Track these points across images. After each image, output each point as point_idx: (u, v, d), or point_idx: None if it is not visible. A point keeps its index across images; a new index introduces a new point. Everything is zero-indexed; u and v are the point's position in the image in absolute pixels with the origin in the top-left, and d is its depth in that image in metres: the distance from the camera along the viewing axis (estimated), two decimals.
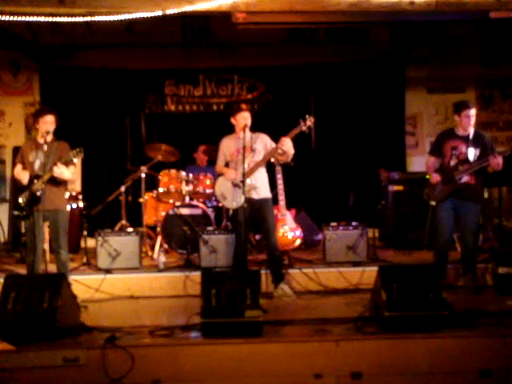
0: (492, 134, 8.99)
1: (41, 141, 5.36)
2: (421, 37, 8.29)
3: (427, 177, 5.78)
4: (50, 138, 5.37)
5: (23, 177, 5.30)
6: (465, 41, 8.84)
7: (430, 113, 9.08)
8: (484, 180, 5.66)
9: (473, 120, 5.51)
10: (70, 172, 5.34)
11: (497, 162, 5.33)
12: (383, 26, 8.25)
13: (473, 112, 5.50)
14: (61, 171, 5.19)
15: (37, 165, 5.29)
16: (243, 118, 5.63)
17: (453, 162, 5.55)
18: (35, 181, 5.20)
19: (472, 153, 5.50)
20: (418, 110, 9.11)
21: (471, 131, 5.55)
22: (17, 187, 5.48)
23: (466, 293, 5.41)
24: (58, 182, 5.32)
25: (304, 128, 5.53)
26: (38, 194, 5.14)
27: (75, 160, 5.25)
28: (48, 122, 5.33)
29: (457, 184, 5.47)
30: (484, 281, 5.87)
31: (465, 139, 5.54)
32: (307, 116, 5.54)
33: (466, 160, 5.48)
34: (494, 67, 8.95)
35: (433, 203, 5.64)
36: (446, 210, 5.57)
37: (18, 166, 5.48)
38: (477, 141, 5.53)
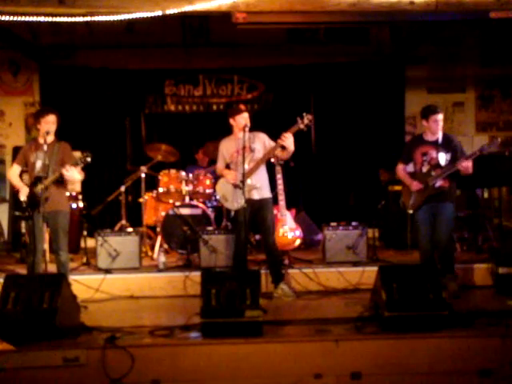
0: (492, 133, 9.01)
1: (41, 141, 5.34)
2: (421, 37, 8.28)
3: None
4: (51, 138, 5.36)
5: (21, 188, 5.29)
6: (465, 41, 8.84)
7: None
8: (484, 181, 5.64)
9: (441, 124, 5.49)
10: (78, 172, 5.34)
11: (465, 165, 5.30)
12: (383, 25, 8.26)
13: (440, 117, 5.48)
14: (71, 174, 5.17)
15: (38, 165, 5.28)
16: (243, 119, 5.62)
17: (425, 168, 5.53)
18: (38, 182, 5.19)
19: (443, 157, 5.48)
20: (418, 109, 8.95)
21: (440, 135, 5.53)
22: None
23: (450, 295, 5.15)
24: (60, 184, 5.32)
25: (302, 126, 5.51)
26: (40, 195, 5.13)
27: (82, 164, 5.23)
28: (50, 122, 5.32)
29: (431, 190, 5.46)
30: (484, 281, 5.88)
31: (434, 144, 5.52)
32: (304, 114, 5.53)
33: (438, 165, 5.46)
34: (494, 67, 8.95)
35: (410, 211, 5.62)
36: (424, 217, 5.53)
37: (15, 167, 5.48)
38: (447, 145, 5.50)
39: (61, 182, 5.32)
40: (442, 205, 5.48)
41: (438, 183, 5.46)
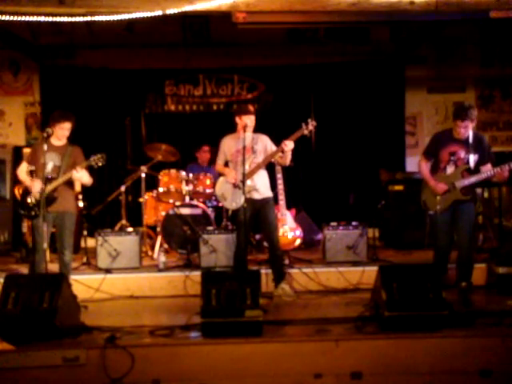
0: (492, 134, 9.02)
1: (55, 143, 5.39)
2: (421, 37, 8.29)
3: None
4: (63, 141, 5.44)
5: (34, 185, 5.30)
6: (465, 41, 8.84)
7: (430, 113, 9.08)
8: (483, 180, 5.54)
9: (468, 131, 5.23)
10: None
11: (504, 176, 5.12)
12: (383, 25, 8.24)
13: (469, 124, 5.18)
14: (81, 175, 5.26)
15: (50, 167, 5.31)
16: (249, 120, 5.60)
17: (450, 169, 5.30)
18: (48, 182, 5.21)
19: (472, 159, 5.25)
20: (418, 109, 9.11)
21: (470, 134, 5.28)
22: (25, 187, 5.47)
23: (458, 304, 5.00)
24: (69, 185, 5.39)
25: (306, 132, 5.53)
26: (51, 195, 5.18)
27: (95, 166, 5.31)
28: (65, 129, 5.38)
29: (460, 195, 5.26)
30: (484, 281, 5.88)
31: (464, 143, 5.28)
32: (309, 120, 5.54)
33: (467, 168, 5.24)
34: (494, 67, 8.95)
35: (431, 212, 5.42)
36: (446, 219, 5.33)
37: (24, 165, 5.50)
38: (476, 145, 5.27)
39: (70, 183, 5.39)
40: (463, 205, 5.29)
41: (464, 188, 5.24)
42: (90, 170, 5.50)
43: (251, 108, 5.75)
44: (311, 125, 5.50)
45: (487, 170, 5.24)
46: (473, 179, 5.24)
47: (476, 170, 5.29)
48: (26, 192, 5.37)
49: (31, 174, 5.55)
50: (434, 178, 5.38)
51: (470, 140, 5.27)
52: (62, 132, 5.36)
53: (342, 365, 4.03)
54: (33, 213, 5.28)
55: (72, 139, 5.59)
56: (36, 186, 5.27)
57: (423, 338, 4.13)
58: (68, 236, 5.41)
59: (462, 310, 4.57)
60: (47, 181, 5.21)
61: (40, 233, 5.16)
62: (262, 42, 8.21)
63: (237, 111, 5.76)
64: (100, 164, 5.31)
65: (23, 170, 5.48)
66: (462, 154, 5.27)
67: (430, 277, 4.38)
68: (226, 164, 5.83)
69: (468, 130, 5.25)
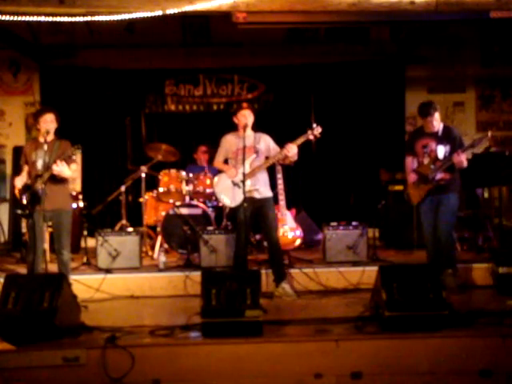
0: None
1: (42, 140, 5.35)
2: (421, 37, 8.29)
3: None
4: (51, 137, 5.36)
5: (17, 183, 5.31)
6: (465, 41, 8.84)
7: None
8: (484, 180, 5.64)
9: (435, 123, 5.53)
10: (72, 170, 5.33)
11: (459, 159, 5.34)
12: (383, 26, 8.25)
13: (435, 117, 5.50)
14: (60, 169, 5.15)
15: (39, 164, 5.29)
16: (243, 117, 5.62)
17: (425, 161, 5.59)
18: (38, 180, 5.20)
19: (442, 150, 5.53)
20: None
21: (440, 127, 5.59)
22: (22, 186, 5.46)
23: (449, 292, 5.03)
24: (59, 181, 5.31)
25: (311, 137, 5.57)
26: (39, 193, 5.13)
27: (74, 157, 5.25)
28: (48, 121, 5.32)
29: (432, 183, 5.51)
30: (484, 281, 5.88)
31: (434, 136, 5.57)
32: (315, 125, 5.56)
33: (437, 158, 5.52)
34: (494, 67, 8.95)
35: (412, 203, 5.75)
36: (426, 209, 5.62)
37: (24, 176, 5.44)
38: (446, 137, 5.55)
39: (61, 180, 5.32)
40: (445, 196, 5.52)
41: (439, 176, 5.49)
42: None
43: (244, 104, 5.85)
44: (316, 130, 5.54)
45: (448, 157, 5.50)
46: (439, 166, 5.48)
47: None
48: (22, 191, 5.36)
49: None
50: (415, 170, 5.69)
51: (440, 133, 5.58)
52: (46, 125, 5.29)
53: (342, 365, 4.03)
54: (27, 211, 5.25)
55: (72, 139, 5.58)
56: (18, 182, 5.28)
57: (423, 338, 4.13)
58: (65, 235, 5.37)
59: (462, 310, 4.56)
60: (37, 178, 5.20)
61: (37, 232, 5.15)
62: (262, 42, 8.21)
63: (233, 112, 5.82)
64: (78, 152, 5.22)
65: (23, 180, 5.42)
66: (433, 146, 5.57)
67: (429, 277, 4.38)
68: (226, 162, 5.84)
69: (438, 122, 5.56)
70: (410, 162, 5.77)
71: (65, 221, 5.38)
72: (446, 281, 5.32)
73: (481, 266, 5.93)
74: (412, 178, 5.66)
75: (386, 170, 8.02)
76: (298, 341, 4.21)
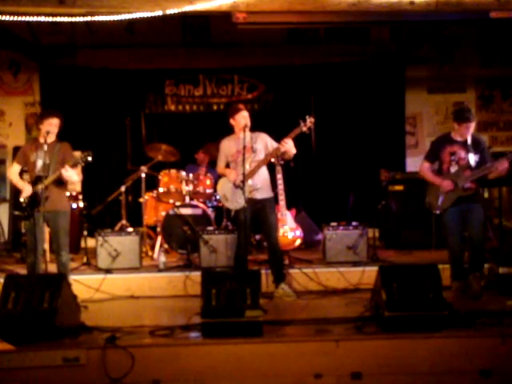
0: (492, 133, 9.02)
1: (42, 141, 5.33)
2: (421, 37, 8.28)
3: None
4: (52, 138, 5.36)
5: (22, 186, 5.30)
6: (465, 41, 8.84)
7: (430, 113, 9.07)
8: (484, 180, 5.60)
9: (471, 131, 5.40)
10: (76, 173, 5.34)
11: (505, 167, 5.22)
12: (383, 25, 8.24)
13: (473, 125, 5.39)
14: (69, 174, 5.16)
15: (39, 165, 5.28)
16: (243, 118, 5.62)
17: (453, 169, 5.43)
18: (38, 181, 5.19)
19: (472, 158, 5.39)
20: (418, 109, 9.10)
21: (468, 136, 5.43)
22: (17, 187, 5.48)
23: (471, 295, 5.23)
24: (60, 183, 5.32)
25: (304, 129, 5.52)
26: (40, 194, 5.13)
27: (82, 164, 5.25)
28: (52, 125, 5.32)
29: (461, 192, 5.35)
30: (484, 281, 5.87)
31: (463, 144, 5.42)
32: (307, 116, 5.53)
33: (468, 166, 5.37)
34: (494, 67, 8.95)
35: (437, 212, 5.51)
36: (453, 218, 5.42)
37: (15, 166, 5.49)
38: (475, 146, 5.42)
39: (61, 181, 5.31)
40: (473, 206, 5.40)
41: (467, 185, 5.36)
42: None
43: (241, 105, 5.80)
44: (309, 121, 5.50)
45: (487, 165, 5.35)
46: (474, 174, 5.33)
47: (477, 169, 5.38)
48: (19, 192, 5.36)
49: (21, 174, 5.57)
50: (444, 177, 5.46)
51: (469, 141, 5.41)
52: (49, 128, 5.29)
53: (342, 365, 4.03)
54: (25, 213, 5.25)
55: (72, 139, 5.59)
56: (26, 190, 5.26)
57: (423, 338, 4.13)
58: (63, 236, 5.36)
59: (462, 310, 4.56)
60: (38, 179, 5.20)
61: (37, 233, 5.14)
62: (262, 42, 8.21)
63: (229, 113, 5.78)
64: (89, 160, 5.16)
65: (15, 171, 5.46)
66: (463, 154, 5.40)
67: (430, 277, 4.38)
68: (228, 166, 5.83)
69: (471, 131, 5.41)
70: (429, 169, 5.59)
71: (62, 222, 5.36)
72: (472, 284, 5.30)
73: None
74: (448, 185, 5.37)
75: (386, 170, 8.02)
76: (298, 341, 4.21)
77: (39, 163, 5.28)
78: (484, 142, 5.61)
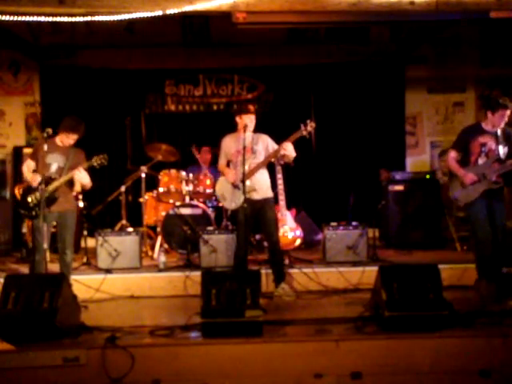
0: None
1: (60, 144, 5.43)
2: (421, 37, 8.29)
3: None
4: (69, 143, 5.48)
5: (34, 179, 5.31)
6: (465, 41, 8.84)
7: (430, 113, 9.07)
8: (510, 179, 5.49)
9: (506, 120, 5.21)
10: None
11: None
12: (383, 25, 8.25)
13: (508, 112, 5.21)
14: (83, 175, 5.32)
15: (54, 167, 5.35)
16: (249, 120, 5.62)
17: (481, 160, 5.25)
18: (50, 183, 5.23)
19: (502, 150, 5.21)
20: (418, 109, 9.10)
21: (500, 127, 5.27)
22: (25, 186, 5.48)
23: (486, 300, 5.13)
24: (69, 184, 5.42)
25: (304, 133, 5.53)
26: (52, 195, 5.21)
27: (97, 167, 5.37)
28: (71, 139, 5.41)
29: (490, 184, 5.19)
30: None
31: (494, 135, 5.23)
32: (308, 121, 5.54)
33: (498, 158, 5.19)
34: (494, 67, 8.95)
35: (461, 204, 5.36)
36: (481, 210, 5.24)
37: (30, 163, 5.49)
38: (506, 138, 5.26)
39: (70, 183, 5.43)
40: (498, 205, 5.26)
41: (494, 178, 5.18)
42: (91, 170, 5.52)
43: (251, 107, 5.77)
44: (310, 126, 5.51)
45: None
46: (503, 168, 5.17)
47: (505, 162, 5.24)
48: (27, 192, 5.37)
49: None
50: (469, 170, 5.30)
51: (499, 132, 5.26)
52: (67, 141, 5.41)
53: (342, 365, 4.03)
54: (33, 213, 5.29)
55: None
56: (36, 179, 5.27)
57: (423, 338, 4.13)
58: (70, 235, 5.45)
59: (462, 310, 4.57)
60: (49, 181, 5.24)
61: (41, 233, 5.17)
62: (262, 42, 8.21)
63: (237, 111, 5.79)
64: (102, 164, 5.37)
65: (30, 166, 5.47)
66: (493, 146, 5.24)
67: (430, 277, 4.39)
68: (228, 164, 5.84)
69: (506, 119, 5.22)
70: (455, 159, 5.38)
71: (70, 221, 5.46)
72: (486, 290, 5.23)
73: None
74: (471, 179, 5.22)
75: (386, 170, 8.02)
76: (298, 341, 4.21)
77: (54, 166, 5.35)
78: None
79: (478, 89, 9.08)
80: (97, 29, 7.89)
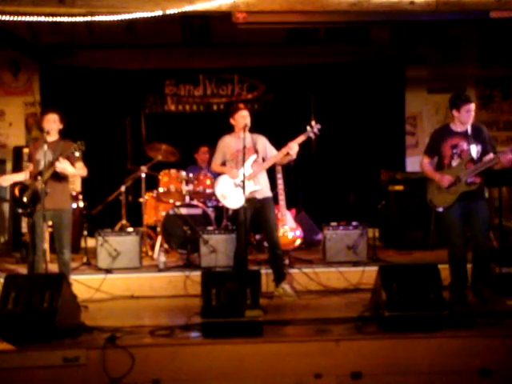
0: (492, 133, 8.91)
1: (48, 139, 5.37)
2: (421, 37, 8.29)
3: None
4: (55, 137, 5.41)
5: (27, 177, 5.33)
6: (465, 41, 8.85)
7: (430, 113, 9.08)
8: (491, 178, 5.40)
9: (473, 115, 5.10)
10: (78, 167, 5.36)
11: (509, 159, 4.92)
12: (383, 25, 8.25)
13: (473, 106, 5.11)
14: (63, 166, 5.17)
15: (42, 163, 5.31)
16: (242, 118, 5.63)
17: (455, 162, 5.12)
18: (39, 178, 5.21)
19: (474, 149, 5.08)
20: (418, 109, 9.11)
21: (468, 126, 5.12)
22: (22, 185, 5.48)
23: (483, 302, 5.05)
24: (60, 180, 5.34)
25: (311, 135, 5.58)
26: (40, 191, 5.14)
27: (77, 154, 5.27)
28: (50, 122, 5.37)
29: (464, 187, 5.05)
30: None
31: (464, 135, 5.08)
32: (313, 123, 5.56)
33: (471, 159, 5.06)
34: (494, 67, 8.95)
35: (440, 209, 5.20)
36: (456, 215, 5.08)
37: (29, 165, 5.54)
38: (476, 136, 5.11)
39: (61, 177, 5.33)
40: (476, 204, 5.09)
41: (470, 179, 5.05)
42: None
43: (241, 105, 5.81)
44: (316, 128, 5.53)
45: (490, 157, 5.06)
46: (477, 168, 5.05)
47: (480, 161, 5.11)
48: (23, 190, 5.37)
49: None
50: (444, 173, 5.18)
51: (469, 131, 5.12)
52: (48, 125, 5.36)
53: (342, 365, 4.03)
54: (28, 210, 5.27)
55: (72, 139, 5.58)
56: (28, 177, 5.30)
57: (423, 338, 4.13)
58: (66, 234, 5.39)
59: (462, 310, 4.57)
60: (38, 176, 5.22)
61: (37, 232, 5.16)
62: (262, 42, 8.21)
63: (230, 113, 5.82)
64: (80, 149, 5.18)
65: (30, 168, 5.50)
66: (465, 146, 5.10)
67: (430, 277, 4.39)
68: (223, 164, 5.83)
69: (473, 115, 5.11)
70: (429, 164, 5.25)
71: (65, 220, 5.39)
72: (483, 292, 5.14)
73: None
74: (448, 180, 5.06)
75: (385, 170, 8.02)
76: (298, 341, 4.21)
77: (43, 161, 5.30)
78: (486, 130, 5.25)
79: (478, 89, 9.08)
80: (97, 29, 7.89)
